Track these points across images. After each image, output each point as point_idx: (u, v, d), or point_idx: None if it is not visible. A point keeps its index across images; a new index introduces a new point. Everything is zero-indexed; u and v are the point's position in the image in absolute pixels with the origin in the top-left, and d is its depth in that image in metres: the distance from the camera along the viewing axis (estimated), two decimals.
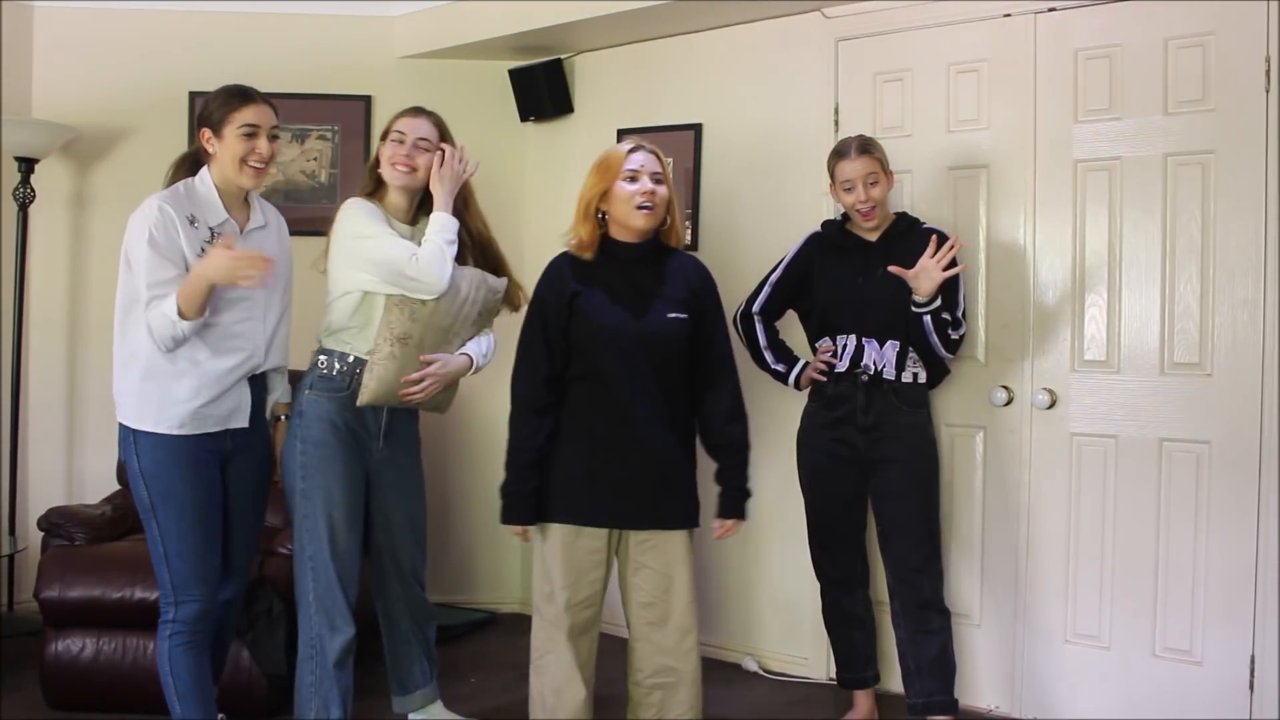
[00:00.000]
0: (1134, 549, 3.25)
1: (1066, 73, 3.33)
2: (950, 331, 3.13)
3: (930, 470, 3.25)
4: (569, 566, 2.74)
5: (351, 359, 2.99)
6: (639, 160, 2.75)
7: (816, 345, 3.33)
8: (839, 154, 3.20)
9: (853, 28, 3.73)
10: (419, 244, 2.96)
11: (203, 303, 2.63)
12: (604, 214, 2.79)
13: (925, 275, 3.03)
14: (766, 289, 3.39)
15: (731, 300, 3.48)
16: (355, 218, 2.96)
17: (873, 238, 3.23)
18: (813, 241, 3.35)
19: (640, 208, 2.72)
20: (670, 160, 4.15)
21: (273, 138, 2.81)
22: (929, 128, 3.60)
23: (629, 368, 2.70)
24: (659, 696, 2.79)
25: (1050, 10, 3.36)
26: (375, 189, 3.07)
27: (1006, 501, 3.47)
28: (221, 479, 2.83)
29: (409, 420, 3.14)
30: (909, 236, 3.20)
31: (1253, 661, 3.08)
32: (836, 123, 3.76)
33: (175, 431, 2.72)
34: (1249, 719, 3.08)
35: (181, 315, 2.61)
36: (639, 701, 2.83)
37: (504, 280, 3.12)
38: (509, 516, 2.76)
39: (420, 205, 3.08)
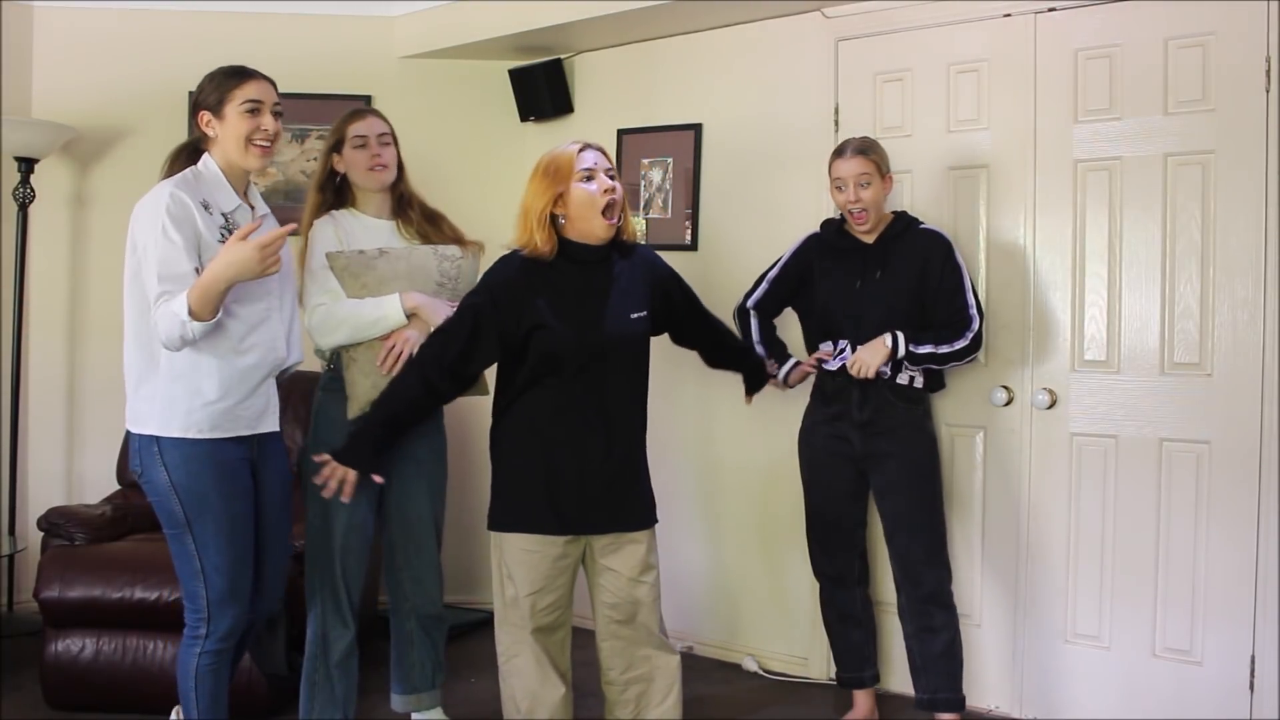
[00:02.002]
0: (1134, 549, 3.25)
1: (1066, 73, 3.33)
2: (950, 356, 3.10)
3: (929, 464, 3.24)
4: (533, 575, 2.64)
5: None
6: (591, 159, 2.63)
7: (818, 346, 3.32)
8: (836, 153, 3.19)
9: (853, 28, 3.73)
10: (403, 236, 3.04)
11: (218, 303, 2.39)
12: (555, 217, 2.65)
13: (863, 366, 3.08)
14: (764, 285, 3.39)
15: (730, 299, 3.49)
16: (314, 251, 2.97)
17: (870, 240, 3.23)
18: (811, 242, 3.35)
19: (605, 211, 2.61)
20: (670, 160, 4.18)
21: (276, 114, 2.60)
22: (929, 128, 3.59)
23: (592, 373, 2.63)
24: (635, 692, 2.73)
25: (1050, 10, 3.36)
26: (340, 199, 3.06)
27: (1006, 501, 3.47)
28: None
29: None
30: (906, 237, 3.19)
31: (1253, 661, 3.08)
32: (836, 123, 3.76)
33: (207, 435, 2.52)
34: (1249, 719, 3.08)
35: (193, 315, 2.36)
36: (615, 700, 2.75)
37: (455, 246, 3.07)
38: (346, 456, 2.63)
39: (398, 203, 3.09)
